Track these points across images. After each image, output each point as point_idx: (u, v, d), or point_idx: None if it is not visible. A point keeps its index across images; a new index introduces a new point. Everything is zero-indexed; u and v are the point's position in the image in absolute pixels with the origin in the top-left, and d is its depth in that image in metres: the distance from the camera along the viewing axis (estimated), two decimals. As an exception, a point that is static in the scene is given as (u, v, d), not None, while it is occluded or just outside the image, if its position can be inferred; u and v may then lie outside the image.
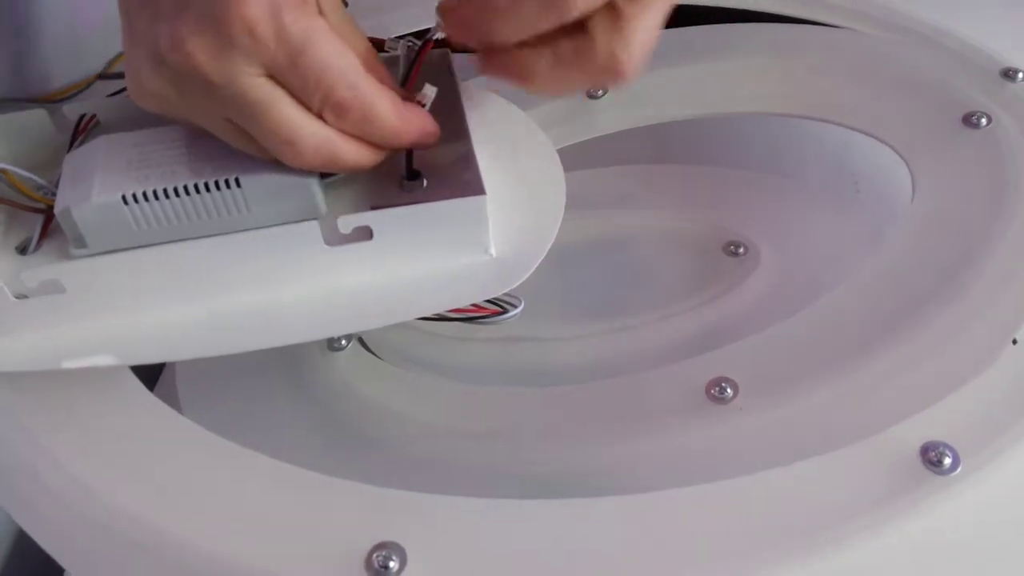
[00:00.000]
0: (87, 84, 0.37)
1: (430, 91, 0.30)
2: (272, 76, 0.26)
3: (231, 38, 0.25)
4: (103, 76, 0.38)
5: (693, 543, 0.24)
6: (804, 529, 0.24)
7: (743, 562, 0.24)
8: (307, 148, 0.27)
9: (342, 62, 0.26)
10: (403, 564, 0.24)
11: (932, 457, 0.26)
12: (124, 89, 0.37)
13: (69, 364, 0.29)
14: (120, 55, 0.37)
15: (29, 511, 0.27)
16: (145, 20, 0.26)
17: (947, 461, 0.25)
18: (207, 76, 0.25)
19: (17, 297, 0.29)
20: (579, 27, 0.27)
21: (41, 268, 0.29)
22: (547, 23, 0.27)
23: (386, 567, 0.24)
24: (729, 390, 0.31)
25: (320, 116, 0.27)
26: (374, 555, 0.24)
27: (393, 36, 0.33)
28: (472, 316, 0.32)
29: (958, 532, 0.25)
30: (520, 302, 0.33)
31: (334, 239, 0.30)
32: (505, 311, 0.33)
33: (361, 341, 0.38)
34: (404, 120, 0.28)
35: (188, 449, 0.28)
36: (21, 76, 0.40)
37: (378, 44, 0.34)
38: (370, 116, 0.27)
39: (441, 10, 0.29)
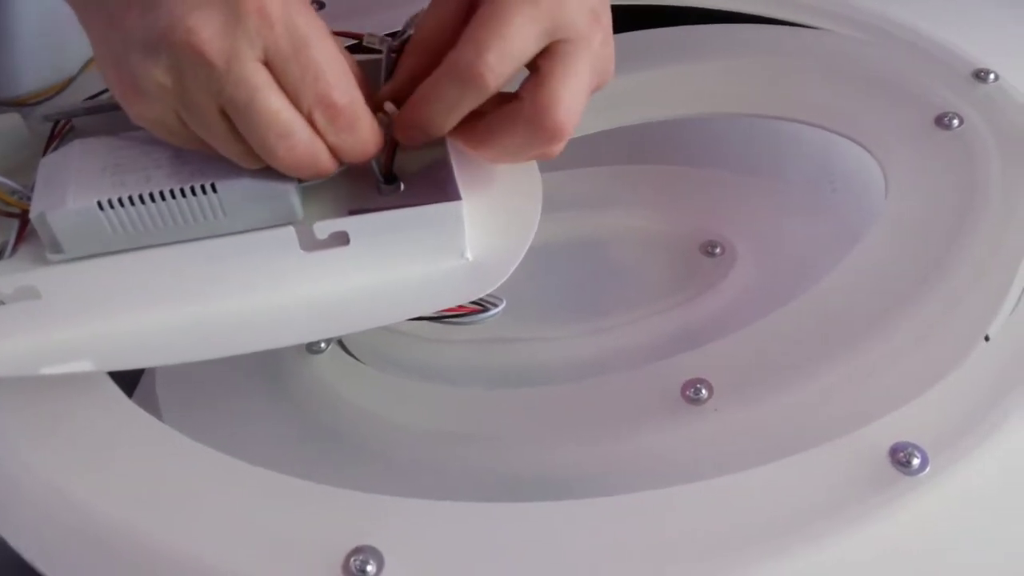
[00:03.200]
0: (62, 87, 0.37)
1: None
2: (269, 64, 0.26)
3: (239, 15, 0.25)
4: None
5: (667, 545, 0.25)
6: (775, 530, 0.25)
7: (716, 562, 0.24)
8: (299, 143, 0.27)
9: (342, 66, 0.27)
10: (380, 568, 0.24)
11: (901, 458, 0.26)
12: (100, 94, 0.37)
13: (46, 370, 0.29)
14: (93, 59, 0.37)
15: (6, 517, 0.27)
16: (135, 14, 0.26)
17: (916, 462, 0.26)
18: (207, 55, 0.25)
19: (-8, 303, 0.29)
20: (515, 95, 0.29)
21: (16, 274, 0.29)
22: (472, 101, 0.28)
23: (363, 571, 0.24)
24: (704, 391, 0.32)
25: (308, 115, 0.27)
26: (351, 559, 0.24)
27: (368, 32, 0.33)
28: (452, 315, 0.32)
29: (927, 531, 0.25)
30: (501, 301, 0.33)
31: (310, 244, 0.30)
32: (486, 310, 0.33)
33: (341, 344, 0.38)
34: (376, 136, 0.29)
35: (166, 455, 0.28)
36: (23, 81, 0.40)
37: (356, 38, 0.34)
38: (355, 125, 0.28)
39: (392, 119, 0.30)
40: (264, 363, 0.37)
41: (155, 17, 0.25)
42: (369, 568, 0.24)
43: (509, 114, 0.29)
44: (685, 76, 0.43)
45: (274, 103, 0.26)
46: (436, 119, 0.29)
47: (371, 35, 0.33)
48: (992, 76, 0.39)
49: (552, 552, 0.24)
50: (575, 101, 0.28)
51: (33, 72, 0.41)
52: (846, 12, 0.42)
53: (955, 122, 0.38)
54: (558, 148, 0.30)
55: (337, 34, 0.29)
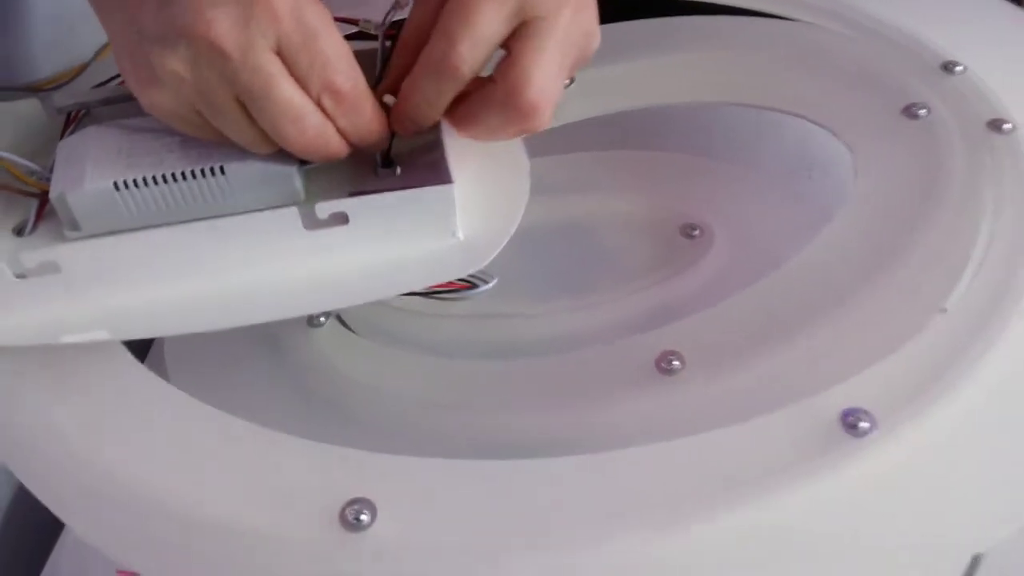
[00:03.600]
0: (77, 73, 0.39)
1: None
2: (281, 54, 0.28)
3: (252, 9, 0.27)
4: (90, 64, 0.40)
5: (634, 496, 0.27)
6: (733, 485, 0.27)
7: (681, 512, 0.27)
8: (310, 126, 0.29)
9: (347, 55, 0.29)
10: (374, 517, 0.27)
11: (850, 422, 0.28)
12: (110, 80, 0.39)
13: (66, 339, 0.31)
14: (107, 45, 0.39)
15: (32, 472, 0.29)
16: (151, 8, 0.28)
17: (864, 425, 0.28)
18: (224, 47, 0.27)
19: (17, 276, 0.31)
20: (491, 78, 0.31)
21: (39, 250, 0.31)
22: (451, 90, 0.30)
23: (358, 519, 0.26)
24: (677, 363, 0.34)
25: (318, 100, 0.29)
26: (347, 509, 0.27)
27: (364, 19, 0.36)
28: (445, 291, 0.35)
29: (872, 489, 0.28)
30: (492, 279, 0.35)
31: (312, 223, 0.32)
32: (476, 286, 0.35)
33: (339, 318, 0.40)
34: (381, 119, 0.31)
35: (176, 416, 0.30)
36: (11, 66, 0.42)
37: (353, 23, 0.36)
38: (359, 108, 0.30)
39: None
40: (266, 335, 0.39)
41: (172, 12, 0.27)
42: (363, 517, 0.27)
43: (486, 96, 0.31)
44: (668, 66, 0.45)
45: (287, 90, 0.28)
46: (422, 111, 0.31)
47: (366, 21, 0.35)
48: (960, 68, 0.41)
49: (528, 502, 0.27)
50: (546, 78, 0.30)
51: (47, 58, 0.43)
52: (823, 5, 0.44)
53: (922, 112, 0.40)
54: (539, 123, 0.31)
55: (336, 19, 0.32)
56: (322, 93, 0.29)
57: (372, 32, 0.35)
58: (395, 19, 0.34)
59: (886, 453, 0.28)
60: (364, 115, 0.30)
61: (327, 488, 0.27)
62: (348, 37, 0.32)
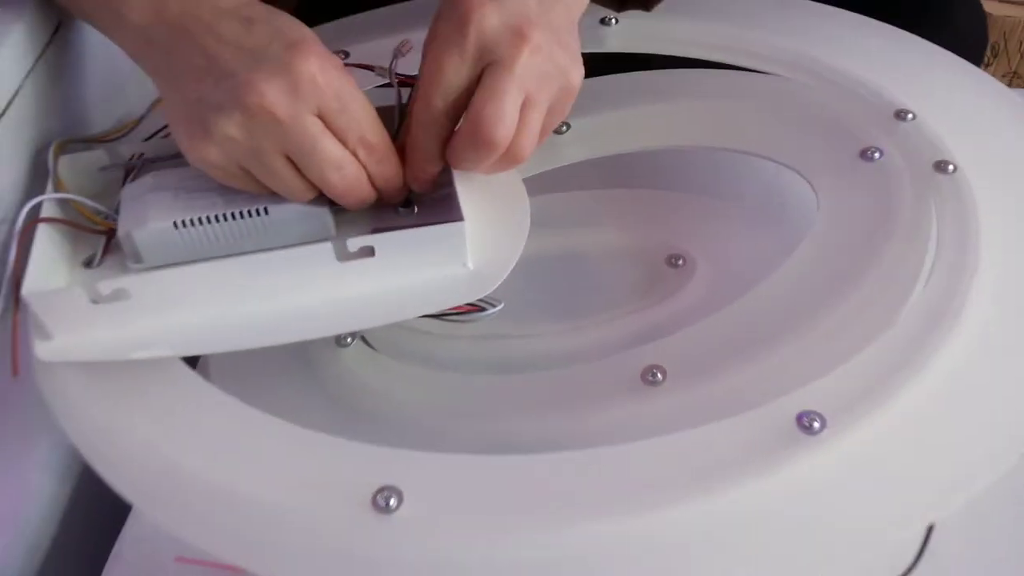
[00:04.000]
0: (132, 127, 0.44)
1: None
2: (322, 117, 0.34)
3: (298, 83, 0.33)
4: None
5: (620, 484, 0.32)
6: (700, 476, 0.32)
7: (656, 498, 0.31)
8: (350, 173, 0.35)
9: (374, 115, 0.36)
10: (400, 502, 0.31)
11: (805, 422, 0.33)
12: (160, 131, 0.45)
13: (135, 355, 0.36)
14: (159, 99, 0.44)
15: (104, 462, 0.34)
16: (210, 83, 0.34)
17: (816, 425, 0.33)
18: (276, 114, 0.33)
19: (92, 302, 0.36)
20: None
21: (113, 279, 0.36)
22: (436, 137, 0.36)
23: (387, 504, 0.31)
24: (659, 375, 0.39)
25: (353, 152, 0.35)
26: (377, 495, 0.31)
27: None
28: (457, 314, 0.39)
29: (822, 481, 0.32)
30: (499, 303, 0.40)
31: (343, 256, 0.37)
32: (484, 310, 0.40)
33: (363, 338, 0.45)
34: (401, 167, 0.37)
35: (228, 417, 0.35)
36: (73, 122, 0.48)
37: (367, 68, 0.42)
38: (388, 158, 0.36)
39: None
40: (300, 354, 0.44)
41: (229, 85, 0.33)
42: (392, 502, 0.31)
43: (459, 135, 0.36)
44: (656, 114, 0.50)
45: (331, 145, 0.34)
46: (424, 161, 0.37)
47: (382, 68, 0.41)
48: (910, 115, 0.46)
49: (528, 490, 0.32)
50: (501, 115, 0.34)
51: (102, 114, 0.49)
52: (789, 59, 0.49)
53: (876, 155, 0.45)
54: (507, 155, 0.35)
55: (354, 66, 0.38)
56: (357, 147, 0.35)
57: (386, 78, 0.40)
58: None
59: (836, 448, 0.33)
60: (391, 163, 0.36)
61: (360, 477, 0.32)
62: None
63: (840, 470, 0.33)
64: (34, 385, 0.42)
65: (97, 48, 0.50)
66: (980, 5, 0.72)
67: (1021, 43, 1.11)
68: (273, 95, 0.33)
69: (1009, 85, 1.24)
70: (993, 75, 1.24)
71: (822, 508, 0.32)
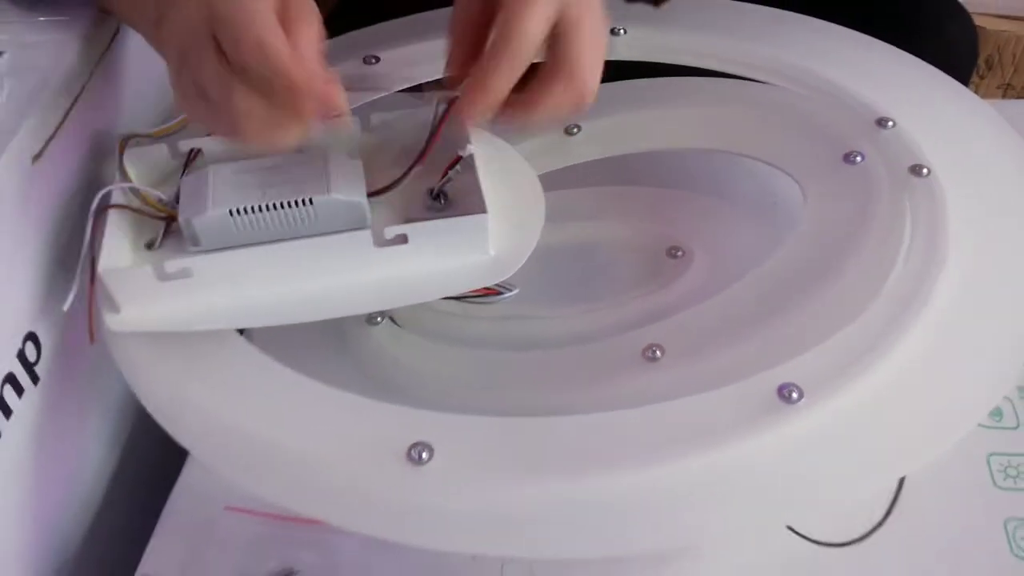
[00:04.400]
0: (184, 123, 0.49)
1: (469, 148, 0.42)
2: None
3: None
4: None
5: (622, 443, 0.36)
6: (691, 439, 0.36)
7: (655, 455, 0.36)
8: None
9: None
10: (432, 455, 0.36)
11: (785, 393, 0.38)
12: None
13: (196, 327, 0.41)
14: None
15: (168, 419, 0.39)
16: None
17: (795, 396, 0.38)
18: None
19: (159, 280, 0.41)
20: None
21: (178, 259, 0.40)
22: (515, 79, 0.39)
23: (420, 457, 0.36)
24: (659, 353, 0.43)
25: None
26: (411, 450, 0.36)
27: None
28: (478, 296, 0.44)
29: (800, 446, 0.37)
30: (515, 288, 0.44)
31: (379, 242, 0.41)
32: (502, 293, 0.45)
33: (392, 318, 0.50)
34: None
35: (278, 381, 0.40)
36: (133, 118, 0.53)
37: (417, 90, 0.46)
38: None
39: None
40: (334, 332, 0.49)
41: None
42: (424, 455, 0.36)
43: (547, 78, 0.40)
44: (658, 118, 0.54)
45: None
46: (497, 96, 0.40)
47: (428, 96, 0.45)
48: (891, 123, 0.50)
49: (542, 447, 0.36)
50: (595, 59, 0.39)
51: (160, 112, 0.54)
52: (781, 70, 0.53)
53: (858, 158, 0.49)
54: (588, 98, 0.40)
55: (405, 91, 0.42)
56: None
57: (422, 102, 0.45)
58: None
59: (812, 416, 0.37)
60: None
61: (396, 434, 0.37)
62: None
63: (816, 435, 0.37)
64: (88, 362, 0.47)
65: (150, 52, 0.55)
66: (970, 20, 0.76)
67: (1015, 56, 1.16)
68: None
69: (1003, 96, 1.28)
70: (988, 87, 1.29)
71: (800, 466, 0.37)
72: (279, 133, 0.38)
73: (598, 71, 0.40)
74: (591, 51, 0.39)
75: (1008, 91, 1.17)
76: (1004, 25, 1.13)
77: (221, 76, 0.36)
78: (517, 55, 0.38)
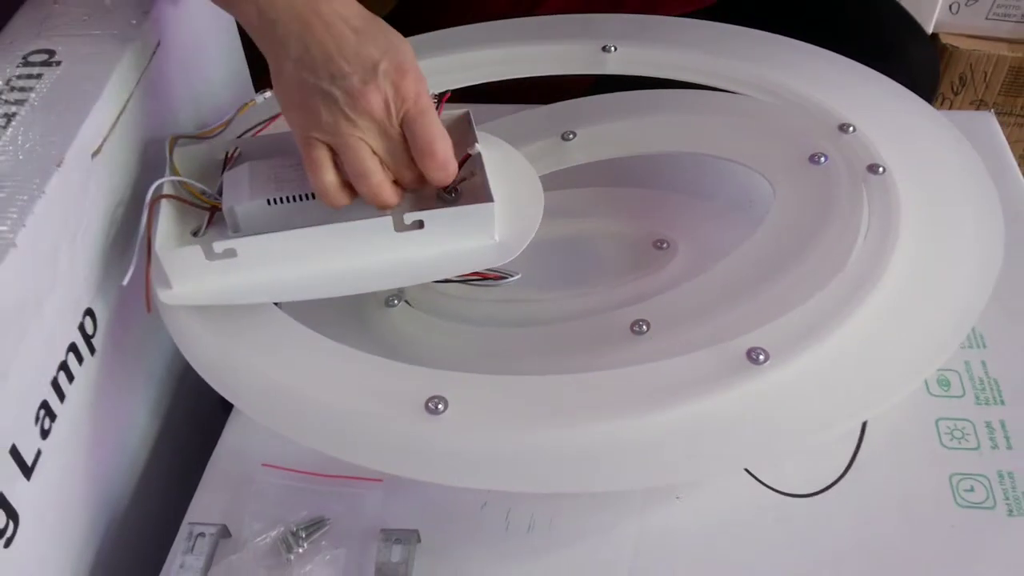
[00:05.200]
0: (225, 126, 0.55)
1: (477, 147, 0.48)
2: (403, 124, 0.44)
3: (398, 98, 0.44)
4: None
5: (612, 396, 0.42)
6: (671, 393, 0.42)
7: (641, 407, 0.42)
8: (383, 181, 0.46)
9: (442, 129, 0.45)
10: (447, 407, 0.42)
11: (753, 355, 0.43)
12: (249, 131, 0.55)
13: (239, 301, 0.46)
14: (245, 104, 0.55)
15: (216, 379, 0.44)
16: (324, 76, 0.43)
17: (762, 358, 0.43)
18: (375, 118, 0.44)
19: (208, 259, 0.46)
20: None
21: (225, 241, 0.46)
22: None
23: (436, 408, 0.42)
24: (645, 327, 0.49)
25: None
26: (429, 402, 0.42)
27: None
28: (484, 280, 0.50)
29: (765, 401, 0.42)
30: (517, 273, 0.50)
31: (399, 227, 0.47)
32: (505, 278, 0.50)
33: (406, 301, 0.55)
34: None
35: (313, 345, 0.45)
36: (176, 121, 0.59)
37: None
38: (445, 166, 0.46)
39: None
40: (356, 314, 0.55)
41: (344, 86, 0.43)
42: (440, 407, 0.42)
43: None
44: (645, 126, 0.60)
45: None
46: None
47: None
48: (851, 128, 0.56)
49: (543, 399, 0.42)
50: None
51: (204, 114, 0.60)
52: (754, 81, 0.59)
53: (823, 159, 0.55)
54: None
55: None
56: (421, 155, 0.45)
57: None
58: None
59: (776, 374, 0.43)
60: (447, 173, 0.46)
61: (416, 389, 0.42)
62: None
63: (780, 390, 0.43)
64: (137, 336, 0.53)
65: (190, 62, 0.62)
66: (933, 44, 0.83)
67: (986, 74, 1.23)
68: (379, 103, 0.43)
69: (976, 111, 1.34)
70: (961, 103, 1.36)
71: (765, 417, 0.42)
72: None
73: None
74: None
75: (981, 107, 1.23)
76: (976, 45, 1.20)
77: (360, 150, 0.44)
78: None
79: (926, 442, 0.50)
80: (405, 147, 0.45)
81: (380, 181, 0.45)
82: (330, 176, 0.44)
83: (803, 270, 0.49)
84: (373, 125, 0.43)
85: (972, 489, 0.47)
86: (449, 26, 0.64)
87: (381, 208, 0.46)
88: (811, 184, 0.54)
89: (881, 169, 0.53)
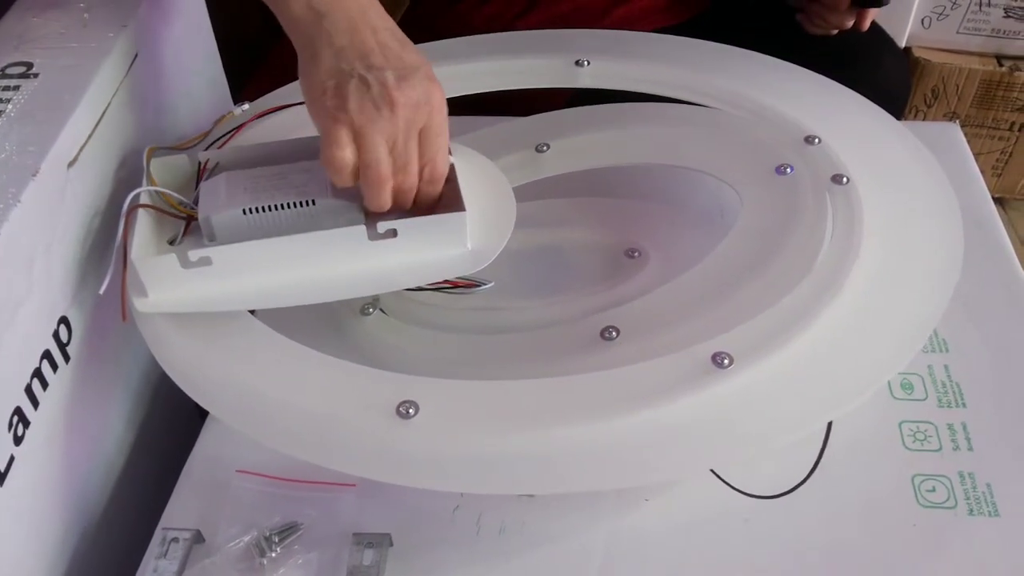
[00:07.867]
0: (201, 138, 0.56)
1: (450, 159, 0.49)
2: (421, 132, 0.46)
3: (426, 103, 0.46)
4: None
5: (582, 401, 0.43)
6: (639, 396, 0.43)
7: (609, 410, 0.42)
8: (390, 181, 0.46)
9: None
10: (417, 411, 0.42)
11: (718, 359, 0.44)
12: (220, 139, 0.56)
13: (213, 308, 0.47)
14: (222, 117, 0.56)
15: (187, 381, 0.45)
16: (359, 64, 0.45)
17: (726, 362, 0.44)
18: (399, 114, 0.44)
19: (183, 267, 0.47)
20: None
21: (200, 249, 0.47)
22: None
23: (408, 412, 0.42)
24: (615, 333, 0.50)
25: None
26: (400, 406, 0.42)
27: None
28: (458, 288, 0.51)
29: (728, 403, 0.43)
30: (490, 282, 0.51)
31: (373, 236, 0.48)
32: (479, 285, 0.51)
33: (381, 309, 0.56)
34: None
35: (286, 352, 0.46)
36: (153, 132, 0.60)
37: None
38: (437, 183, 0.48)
39: None
40: (331, 323, 0.55)
41: (380, 77, 0.44)
42: (411, 411, 0.42)
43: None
44: (617, 138, 0.61)
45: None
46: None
47: None
48: (817, 140, 0.57)
49: (512, 404, 0.43)
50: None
51: (181, 126, 0.60)
52: (723, 95, 0.61)
53: (789, 170, 0.56)
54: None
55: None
56: (425, 166, 0.47)
57: None
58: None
59: (739, 378, 0.44)
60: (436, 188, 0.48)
61: (387, 394, 0.43)
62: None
63: (744, 394, 0.44)
64: (111, 344, 0.54)
65: (169, 74, 0.62)
66: (904, 57, 0.84)
67: (958, 87, 1.25)
68: (409, 101, 0.44)
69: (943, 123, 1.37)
70: (934, 115, 1.39)
71: (729, 419, 0.43)
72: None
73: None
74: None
75: (953, 119, 1.26)
76: (948, 58, 1.22)
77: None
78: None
79: (889, 444, 0.51)
80: (416, 155, 0.46)
81: (387, 174, 0.46)
82: (347, 152, 0.45)
83: (769, 277, 0.50)
84: (398, 120, 0.44)
85: (934, 489, 0.48)
86: (430, 40, 0.66)
87: (373, 208, 0.47)
88: (777, 194, 0.55)
89: (845, 179, 0.54)
